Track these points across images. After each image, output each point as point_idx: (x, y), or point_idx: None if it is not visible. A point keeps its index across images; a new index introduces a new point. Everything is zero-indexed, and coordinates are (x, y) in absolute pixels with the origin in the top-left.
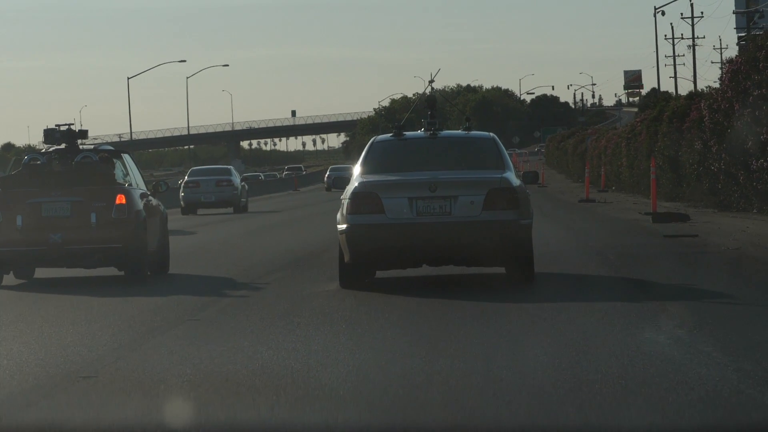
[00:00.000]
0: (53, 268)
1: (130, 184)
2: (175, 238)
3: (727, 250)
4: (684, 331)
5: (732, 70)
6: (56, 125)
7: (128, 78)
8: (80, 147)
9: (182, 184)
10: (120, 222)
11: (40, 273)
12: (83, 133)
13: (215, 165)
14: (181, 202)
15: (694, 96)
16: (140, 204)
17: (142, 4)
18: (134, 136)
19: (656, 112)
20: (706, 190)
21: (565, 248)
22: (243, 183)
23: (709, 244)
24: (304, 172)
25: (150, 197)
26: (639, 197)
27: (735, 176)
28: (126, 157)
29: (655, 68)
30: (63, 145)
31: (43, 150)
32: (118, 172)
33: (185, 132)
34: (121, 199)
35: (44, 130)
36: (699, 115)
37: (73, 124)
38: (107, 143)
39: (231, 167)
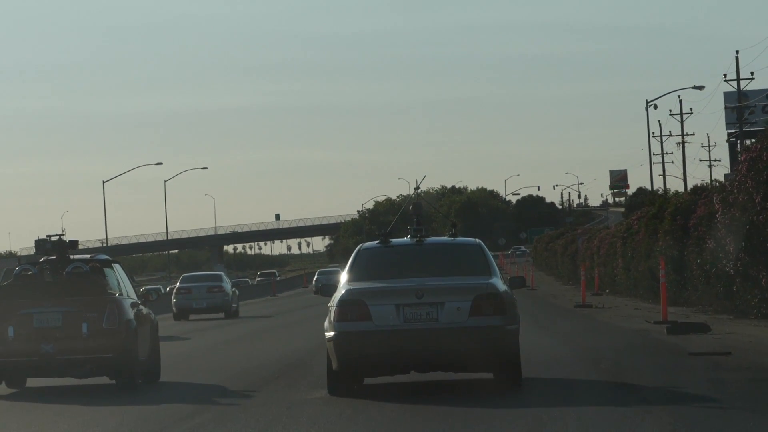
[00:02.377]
0: (45, 378)
1: (120, 294)
2: (167, 344)
3: None
4: None
5: (750, 158)
6: (47, 236)
7: (103, 182)
8: (71, 257)
9: (174, 290)
10: (111, 332)
11: (32, 382)
12: (74, 244)
13: (200, 271)
14: (173, 308)
15: (700, 190)
16: (131, 313)
17: (120, 109)
18: (115, 242)
19: (656, 209)
20: (720, 294)
21: (570, 369)
22: (234, 289)
23: (755, 367)
24: (278, 278)
25: (140, 306)
26: (638, 302)
27: (756, 279)
28: (116, 266)
29: (642, 167)
30: (54, 256)
31: (18, 255)
32: (110, 281)
33: (167, 236)
34: (112, 309)
35: (35, 241)
36: (708, 211)
37: (63, 235)
38: (100, 253)
39: (222, 273)
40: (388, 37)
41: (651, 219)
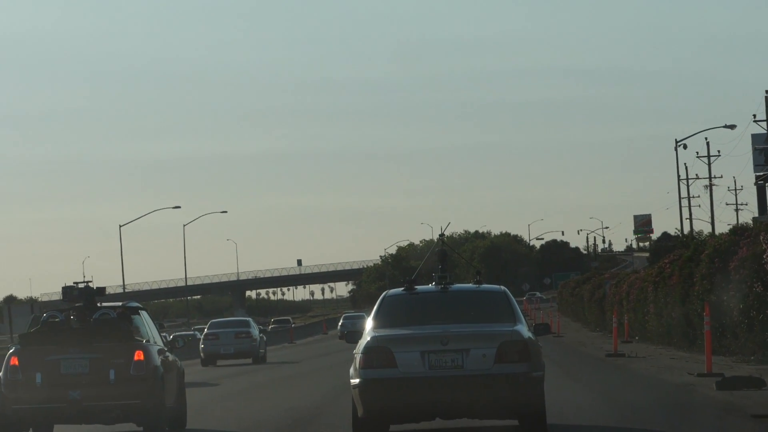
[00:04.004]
0: (73, 425)
1: (147, 340)
2: (195, 390)
3: None
4: None
5: None
6: (74, 283)
7: (120, 226)
8: (98, 304)
9: (202, 336)
10: (138, 378)
11: (59, 429)
12: (101, 291)
13: (222, 317)
14: (201, 354)
15: (741, 230)
16: (158, 360)
17: (138, 154)
18: (136, 287)
19: (691, 252)
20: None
21: (612, 429)
22: (261, 335)
23: None
24: (293, 324)
25: (167, 353)
26: (672, 350)
27: None
28: (143, 312)
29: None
30: (81, 303)
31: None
32: (138, 328)
33: (188, 282)
34: (139, 355)
35: (62, 288)
36: (752, 252)
37: (90, 282)
38: (130, 300)
39: (249, 319)
40: (410, 81)
41: (686, 262)
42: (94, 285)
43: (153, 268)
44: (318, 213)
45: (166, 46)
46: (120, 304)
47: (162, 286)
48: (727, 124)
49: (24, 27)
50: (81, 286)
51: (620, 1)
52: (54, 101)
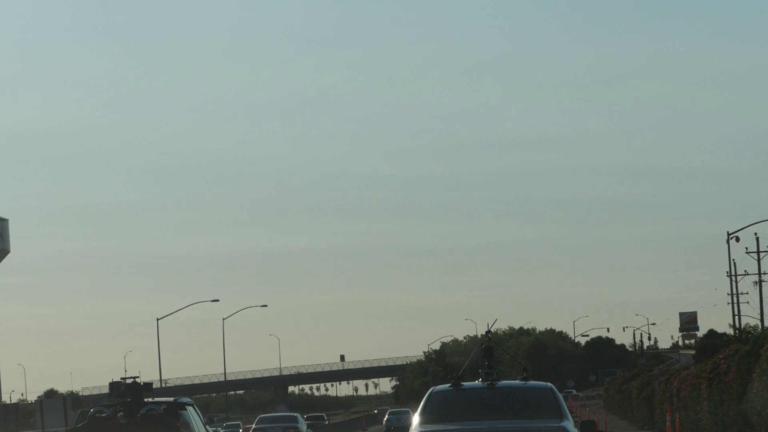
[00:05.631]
0: None
1: None
2: None
3: None
4: None
5: None
6: (121, 378)
7: (157, 319)
8: (145, 399)
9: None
10: None
11: None
12: (148, 386)
13: (264, 413)
14: None
15: None
16: None
17: (178, 250)
18: (178, 382)
19: (749, 346)
20: None
21: None
22: (309, 430)
23: None
24: (327, 422)
25: None
26: None
27: None
28: (190, 408)
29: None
30: (128, 398)
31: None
32: (186, 423)
33: (230, 376)
34: None
35: (110, 384)
36: None
37: (138, 377)
38: (180, 396)
39: (297, 415)
40: (451, 178)
41: (743, 357)
42: (141, 380)
43: (193, 362)
44: (360, 308)
45: (208, 141)
46: (172, 399)
47: (204, 381)
48: None
49: (70, 120)
50: (128, 381)
51: (664, 98)
52: (98, 196)
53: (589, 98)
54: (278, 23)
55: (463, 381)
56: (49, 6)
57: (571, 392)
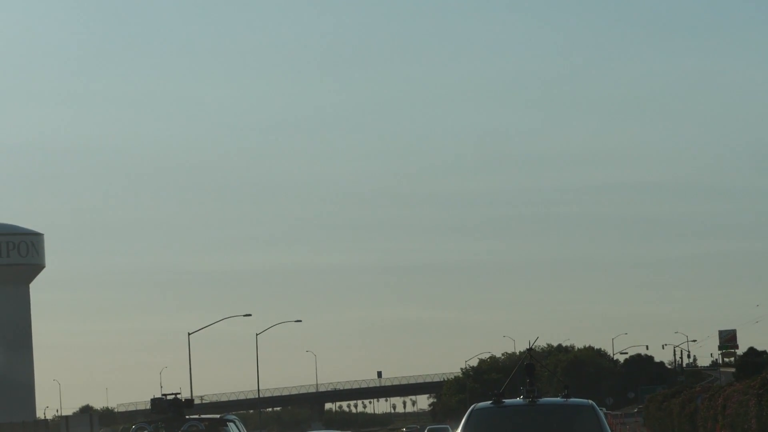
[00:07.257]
0: None
1: None
2: None
3: None
4: None
5: None
6: (162, 395)
7: (189, 334)
8: (186, 416)
9: None
10: None
11: None
12: (189, 403)
13: (298, 430)
14: None
15: None
16: None
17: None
18: (214, 398)
19: None
20: None
21: None
22: None
23: None
24: None
25: None
26: None
27: None
28: (232, 425)
29: (757, 324)
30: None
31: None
32: None
33: (266, 393)
34: None
35: (151, 400)
36: None
37: (179, 394)
38: (226, 413)
39: None
40: (488, 195)
41: None
42: (182, 397)
43: (227, 378)
44: (397, 325)
45: (244, 157)
46: (218, 416)
47: (240, 398)
48: None
49: (107, 136)
50: (170, 397)
51: (705, 114)
52: (133, 211)
53: (629, 114)
54: (309, 38)
55: (504, 398)
56: (82, 20)
57: (602, 410)
